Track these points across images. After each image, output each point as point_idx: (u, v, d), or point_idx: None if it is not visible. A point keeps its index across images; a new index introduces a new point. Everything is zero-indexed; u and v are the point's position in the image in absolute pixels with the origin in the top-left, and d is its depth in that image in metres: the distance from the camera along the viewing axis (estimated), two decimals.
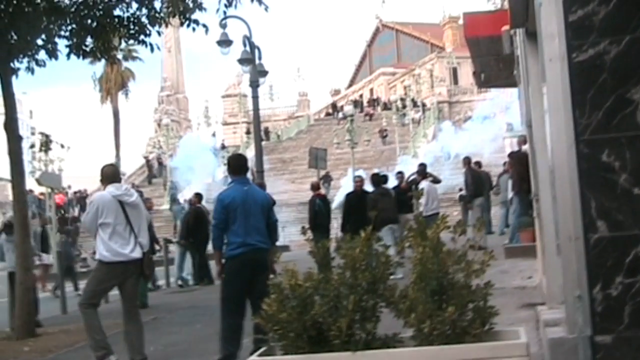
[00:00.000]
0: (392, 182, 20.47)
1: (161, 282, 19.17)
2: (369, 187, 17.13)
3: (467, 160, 20.30)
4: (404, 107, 62.49)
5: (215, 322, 10.97)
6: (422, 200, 18.19)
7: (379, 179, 17.05)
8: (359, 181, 17.61)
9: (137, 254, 8.03)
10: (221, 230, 8.13)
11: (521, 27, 7.91)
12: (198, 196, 19.88)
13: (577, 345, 4.86)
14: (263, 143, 29.24)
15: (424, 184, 18.45)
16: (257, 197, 8.28)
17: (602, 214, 4.53)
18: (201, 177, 46.92)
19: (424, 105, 67.14)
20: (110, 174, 8.39)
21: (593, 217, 4.54)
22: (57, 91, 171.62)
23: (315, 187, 19.30)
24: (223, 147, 65.68)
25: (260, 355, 4.64)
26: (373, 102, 74.74)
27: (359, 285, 4.51)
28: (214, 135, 70.46)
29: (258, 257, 7.96)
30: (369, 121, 66.92)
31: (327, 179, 44.65)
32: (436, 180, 20.50)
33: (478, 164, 21.93)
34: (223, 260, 8.10)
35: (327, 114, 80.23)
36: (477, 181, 19.13)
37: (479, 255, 4.58)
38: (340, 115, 60.83)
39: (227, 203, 8.05)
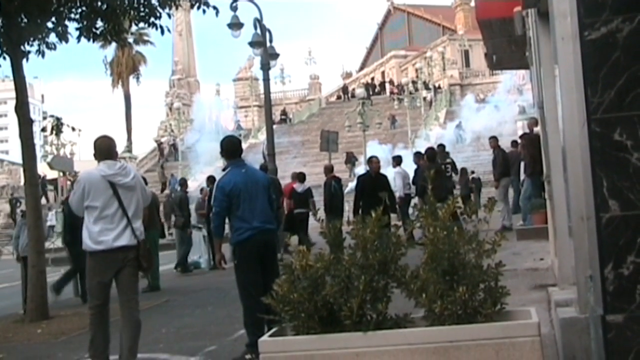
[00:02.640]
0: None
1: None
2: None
3: (494, 141, 19.42)
4: (416, 90, 62.31)
5: (227, 304, 11.09)
6: (398, 183, 18.86)
7: (434, 154, 17.43)
8: (376, 162, 17.04)
9: (126, 241, 6.89)
10: (223, 218, 8.06)
11: (533, 7, 7.84)
12: (210, 179, 20.03)
13: (588, 325, 4.85)
14: (275, 126, 29.31)
15: (396, 170, 19.33)
16: (257, 178, 8.18)
17: (614, 193, 4.50)
18: (205, 163, 46.96)
19: (438, 87, 67.03)
20: (105, 149, 7.17)
21: (605, 196, 4.51)
22: (69, 77, 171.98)
23: (329, 169, 19.35)
24: (239, 127, 66.00)
25: (271, 335, 4.66)
26: (397, 85, 74.54)
27: (370, 266, 4.51)
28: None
29: (266, 239, 7.95)
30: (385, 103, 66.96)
31: (350, 159, 44.54)
32: (453, 168, 20.82)
33: (514, 142, 20.58)
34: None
35: (338, 97, 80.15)
36: (506, 161, 18.68)
37: (490, 235, 4.58)
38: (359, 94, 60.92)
39: (229, 190, 7.89)
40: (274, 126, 29.02)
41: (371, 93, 70.26)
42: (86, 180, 6.98)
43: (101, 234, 6.84)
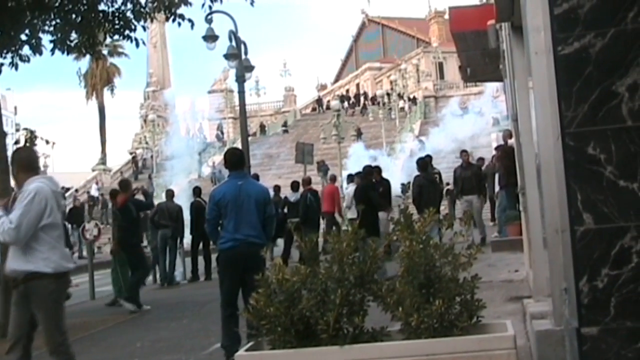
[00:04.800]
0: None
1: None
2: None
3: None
4: (390, 102, 62.50)
5: (203, 317, 11.04)
6: (346, 203, 18.50)
7: (426, 164, 17.23)
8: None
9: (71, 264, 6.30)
10: (213, 225, 8.30)
11: (507, 21, 7.92)
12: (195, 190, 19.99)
13: (563, 337, 4.88)
14: (250, 138, 29.28)
15: (350, 188, 18.75)
16: (251, 192, 8.22)
17: (588, 207, 4.54)
18: (181, 176, 46.87)
19: (413, 99, 67.31)
20: (28, 161, 6.26)
21: (579, 209, 4.56)
22: (42, 88, 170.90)
23: (306, 182, 19.37)
24: (219, 138, 65.95)
25: (248, 350, 4.64)
26: (372, 97, 74.35)
27: (346, 279, 4.51)
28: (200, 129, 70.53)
29: (248, 252, 7.99)
30: (351, 116, 66.98)
31: (321, 167, 44.21)
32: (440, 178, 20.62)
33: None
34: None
35: (313, 109, 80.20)
36: (478, 177, 18.48)
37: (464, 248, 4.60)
38: (334, 106, 60.79)
39: (218, 200, 8.15)
40: (249, 138, 28.97)
41: (347, 105, 70.43)
42: (45, 194, 5.94)
43: (63, 256, 6.10)
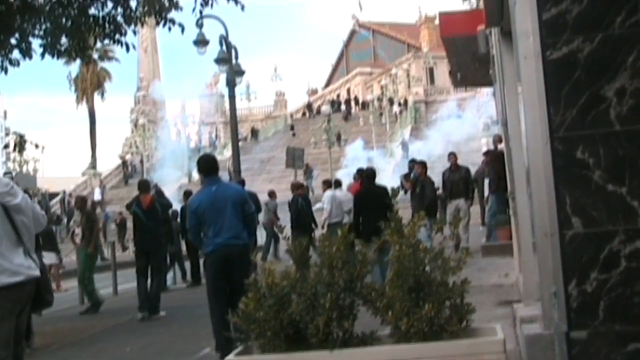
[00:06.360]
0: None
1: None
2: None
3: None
4: (381, 107, 62.61)
5: (193, 321, 11.02)
6: (326, 207, 18.11)
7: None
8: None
9: (37, 271, 5.54)
10: (195, 233, 8.43)
11: (496, 26, 7.94)
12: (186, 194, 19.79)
13: (553, 341, 4.88)
14: (241, 143, 29.29)
15: (327, 194, 18.45)
16: (226, 195, 8.32)
17: (577, 210, 4.56)
18: (171, 180, 46.81)
19: (403, 103, 67.47)
20: None
21: (568, 213, 4.57)
22: (32, 92, 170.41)
23: (296, 186, 19.34)
24: (212, 142, 65.88)
25: (237, 354, 4.63)
26: (362, 102, 73.99)
27: (336, 284, 4.50)
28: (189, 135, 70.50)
29: (230, 253, 8.08)
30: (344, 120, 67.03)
31: (308, 171, 44.10)
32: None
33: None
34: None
35: (303, 114, 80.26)
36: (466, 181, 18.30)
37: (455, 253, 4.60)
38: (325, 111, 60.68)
39: (194, 208, 8.31)
40: (240, 143, 28.96)
41: (337, 110, 70.51)
42: None
43: (11, 264, 5.41)
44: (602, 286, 4.51)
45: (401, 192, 16.49)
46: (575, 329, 4.53)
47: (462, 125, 45.86)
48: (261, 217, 18.45)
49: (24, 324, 5.62)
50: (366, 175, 14.23)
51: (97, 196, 49.01)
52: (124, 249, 31.87)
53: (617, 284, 4.51)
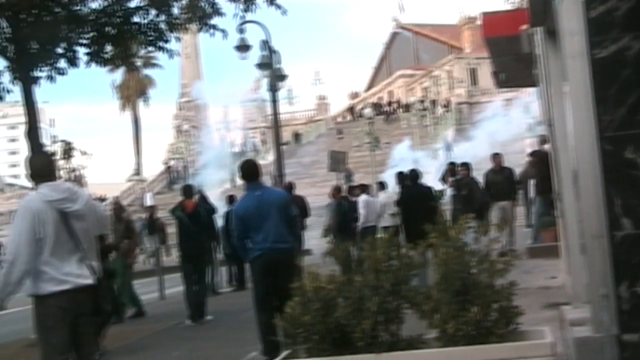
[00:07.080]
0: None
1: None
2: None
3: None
4: (424, 109, 62.34)
5: (237, 326, 11.07)
6: (362, 212, 18.00)
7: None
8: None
9: (89, 279, 5.45)
10: (242, 240, 8.39)
11: (540, 26, 7.86)
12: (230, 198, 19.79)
13: (603, 345, 4.81)
14: (284, 147, 29.41)
15: (362, 198, 18.39)
16: (271, 199, 8.37)
17: (627, 211, 4.48)
18: (214, 184, 47.00)
19: (446, 105, 67.15)
20: (41, 168, 5.69)
21: (617, 214, 4.50)
22: (78, 100, 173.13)
23: (337, 190, 19.42)
24: (255, 147, 66.31)
25: (284, 358, 4.63)
26: (405, 104, 73.71)
27: (381, 287, 4.49)
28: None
29: (277, 258, 8.11)
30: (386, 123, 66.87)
31: (348, 176, 43.89)
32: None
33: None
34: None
35: (345, 118, 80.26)
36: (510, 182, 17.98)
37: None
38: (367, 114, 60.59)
39: (242, 215, 8.32)
40: (283, 147, 29.11)
41: (378, 113, 70.35)
42: (32, 208, 5.37)
43: (60, 273, 5.36)
44: None
45: (447, 189, 16.46)
46: (627, 332, 4.45)
47: (508, 125, 45.39)
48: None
49: (88, 333, 5.54)
50: (410, 177, 14.20)
51: (149, 201, 49.35)
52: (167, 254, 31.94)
53: None
